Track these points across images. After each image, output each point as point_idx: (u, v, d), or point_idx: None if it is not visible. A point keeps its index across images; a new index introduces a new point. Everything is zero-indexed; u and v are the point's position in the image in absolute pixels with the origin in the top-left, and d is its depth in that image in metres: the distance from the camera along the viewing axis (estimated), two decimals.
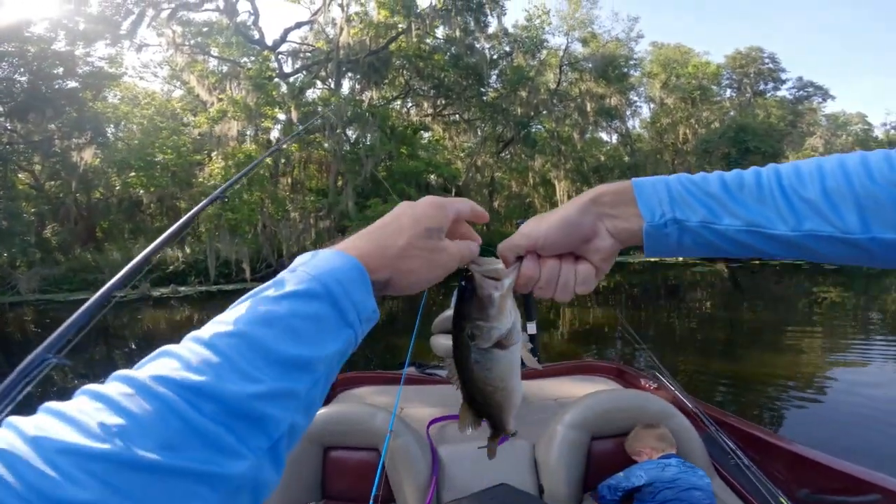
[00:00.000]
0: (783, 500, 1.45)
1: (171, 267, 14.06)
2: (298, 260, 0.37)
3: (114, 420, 0.25)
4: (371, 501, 1.32)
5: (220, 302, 13.26)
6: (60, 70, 13.94)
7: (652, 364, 2.37)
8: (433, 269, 0.43)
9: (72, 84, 14.40)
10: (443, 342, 1.97)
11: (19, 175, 14.73)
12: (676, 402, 1.99)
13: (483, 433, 0.52)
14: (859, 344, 6.94)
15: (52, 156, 14.35)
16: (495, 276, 0.46)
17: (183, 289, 14.07)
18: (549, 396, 2.65)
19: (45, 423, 0.25)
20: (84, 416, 0.25)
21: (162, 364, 0.28)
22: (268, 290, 0.33)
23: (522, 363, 0.49)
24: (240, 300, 0.33)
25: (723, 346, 7.59)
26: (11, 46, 12.94)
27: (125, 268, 1.09)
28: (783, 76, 24.96)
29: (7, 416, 0.24)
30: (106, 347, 8.70)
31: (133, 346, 9.06)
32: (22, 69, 13.34)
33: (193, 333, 0.31)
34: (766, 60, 24.67)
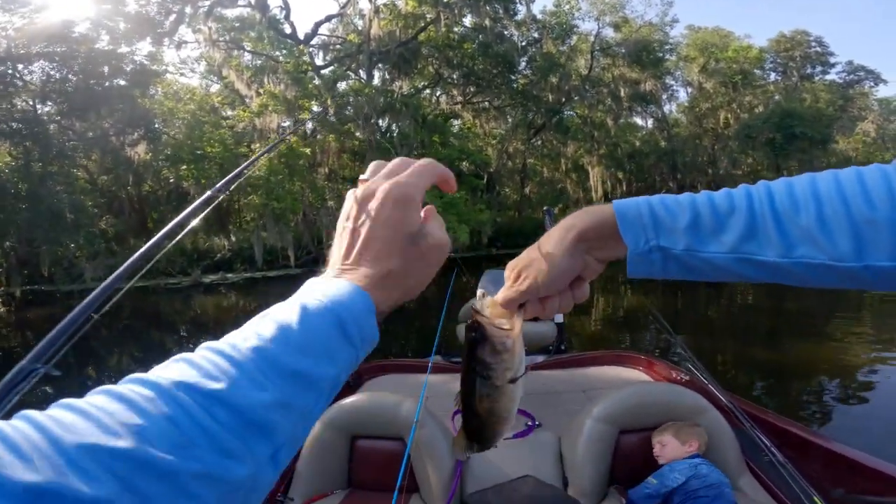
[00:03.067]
0: (817, 500, 1.40)
1: (219, 255, 14.83)
2: (308, 285, 0.39)
3: (134, 420, 0.26)
4: (396, 492, 1.32)
5: (264, 288, 13.93)
6: (105, 69, 14.65)
7: (684, 355, 2.33)
8: (431, 266, 0.41)
9: (121, 82, 15.14)
10: None
11: (77, 172, 15.69)
12: (710, 396, 1.92)
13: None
14: None
15: (108, 152, 15.21)
16: (505, 325, 0.47)
17: (230, 275, 14.84)
18: (577, 387, 2.61)
19: (65, 417, 0.25)
20: (104, 414, 0.26)
21: (180, 370, 0.30)
22: (283, 308, 0.35)
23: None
24: (256, 317, 0.35)
25: (763, 336, 7.40)
26: (59, 47, 13.65)
27: (132, 258, 1.16)
28: (832, 60, 23.34)
29: None
30: (158, 331, 9.34)
31: (183, 332, 9.68)
32: (76, 68, 14.09)
33: (209, 343, 0.33)
34: (813, 44, 23.08)
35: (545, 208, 3.33)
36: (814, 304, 9.30)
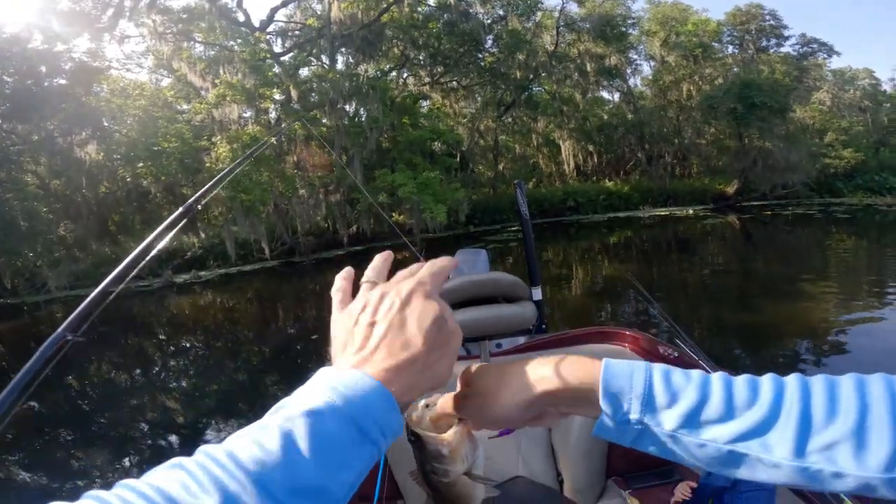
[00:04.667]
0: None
1: (190, 253, 14.33)
2: (321, 377, 0.37)
3: None
4: (375, 501, 1.23)
5: (240, 283, 13.60)
6: (43, 69, 13.78)
7: (669, 328, 2.22)
8: (453, 355, 0.42)
9: (61, 81, 14.30)
10: None
11: (26, 178, 14.83)
12: None
13: None
14: (875, 293, 6.99)
15: (56, 153, 14.41)
16: (440, 437, 0.46)
17: (203, 273, 14.27)
18: None
19: None
20: None
21: (174, 479, 0.30)
22: (290, 407, 0.34)
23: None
24: (270, 413, 0.34)
25: (736, 299, 7.65)
26: None
27: (129, 256, 1.10)
28: (785, 33, 24.33)
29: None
30: (136, 336, 9.04)
31: (161, 335, 9.41)
32: (11, 70, 13.21)
33: (209, 450, 0.32)
34: (767, 17, 23.90)
35: (515, 182, 3.20)
36: (782, 267, 9.70)
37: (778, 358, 4.94)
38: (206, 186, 1.46)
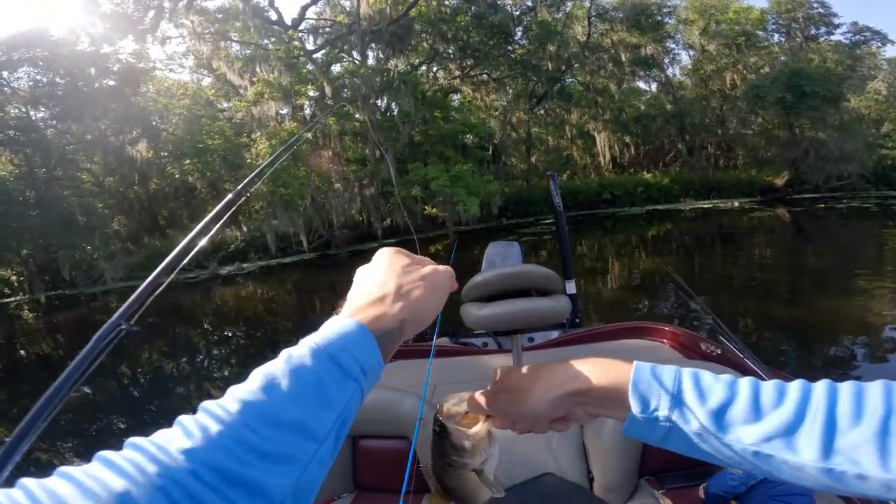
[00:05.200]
0: None
1: (233, 246, 14.93)
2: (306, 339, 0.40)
3: (118, 484, 0.28)
4: (402, 494, 1.24)
5: (280, 275, 14.09)
6: (92, 70, 14.50)
7: (713, 326, 2.11)
8: (435, 291, 0.45)
9: (110, 82, 15.02)
10: (474, 312, 1.76)
11: (82, 176, 15.74)
12: (747, 372, 1.68)
13: None
14: None
15: (109, 152, 15.23)
16: (466, 430, 0.49)
17: (246, 265, 14.87)
18: None
19: (58, 486, 0.27)
20: (93, 481, 0.28)
21: (170, 433, 0.32)
22: (277, 361, 0.36)
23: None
24: (256, 370, 0.36)
25: (784, 295, 7.27)
26: (41, 51, 13.45)
27: (177, 247, 1.17)
28: (835, 21, 22.91)
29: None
30: (184, 326, 9.51)
31: (206, 325, 9.86)
32: (62, 71, 13.96)
33: (206, 403, 0.34)
34: (815, 5, 22.64)
35: (549, 173, 3.17)
36: (834, 261, 9.15)
37: (829, 355, 4.69)
38: (251, 176, 1.50)
